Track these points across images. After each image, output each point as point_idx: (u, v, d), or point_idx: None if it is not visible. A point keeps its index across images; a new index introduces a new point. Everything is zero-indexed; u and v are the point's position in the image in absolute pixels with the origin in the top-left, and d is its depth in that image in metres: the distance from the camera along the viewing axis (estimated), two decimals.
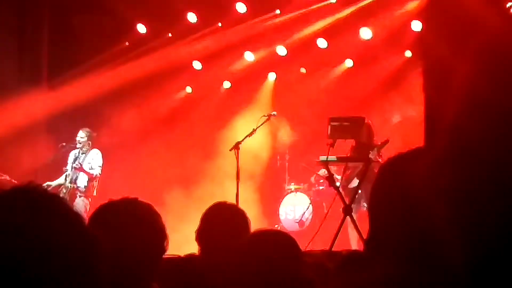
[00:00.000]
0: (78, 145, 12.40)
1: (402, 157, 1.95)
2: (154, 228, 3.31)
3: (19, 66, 13.96)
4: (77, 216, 1.79)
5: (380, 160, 10.29)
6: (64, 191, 12.31)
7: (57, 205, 1.77)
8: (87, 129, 12.53)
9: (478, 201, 1.51)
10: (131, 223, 3.24)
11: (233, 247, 3.52)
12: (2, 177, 11.76)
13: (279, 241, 3.38)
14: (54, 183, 12.37)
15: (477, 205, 1.51)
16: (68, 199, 12.11)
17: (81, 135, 12.41)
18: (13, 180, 11.62)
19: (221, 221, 4.60)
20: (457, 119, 1.58)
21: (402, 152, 1.96)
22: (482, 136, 1.53)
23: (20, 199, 1.74)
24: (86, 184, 12.35)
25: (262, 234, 3.46)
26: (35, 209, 1.72)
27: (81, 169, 12.27)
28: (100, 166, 12.41)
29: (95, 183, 12.41)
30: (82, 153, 12.47)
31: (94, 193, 12.34)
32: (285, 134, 13.35)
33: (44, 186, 1.91)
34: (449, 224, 1.55)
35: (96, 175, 12.36)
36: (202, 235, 4.61)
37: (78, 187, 12.30)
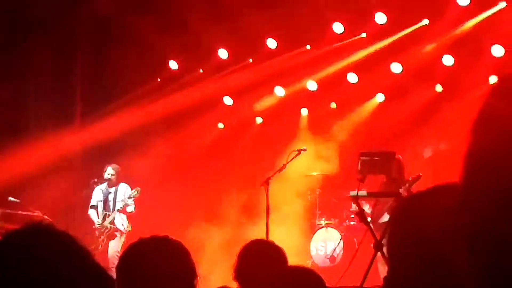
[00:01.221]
0: (107, 181, 12.47)
1: (418, 196, 1.95)
2: (184, 266, 3.32)
3: (53, 104, 14.14)
4: (87, 253, 1.81)
5: None
6: (102, 231, 12.32)
7: (66, 243, 1.79)
8: (115, 165, 12.62)
9: (502, 251, 1.51)
10: (161, 261, 3.26)
11: (265, 284, 3.51)
12: (35, 214, 11.87)
13: (305, 279, 3.37)
14: (97, 221, 12.42)
15: (501, 256, 1.51)
16: (105, 239, 12.18)
17: (110, 172, 12.49)
18: (45, 217, 11.73)
19: (259, 258, 4.57)
20: (502, 162, 1.59)
21: (418, 192, 1.96)
22: None
23: (30, 238, 1.77)
24: (127, 224, 12.37)
25: (289, 272, 3.45)
26: (44, 248, 1.74)
27: (124, 211, 12.34)
28: (133, 201, 12.47)
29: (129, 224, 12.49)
30: (109, 189, 12.53)
31: (130, 228, 12.37)
32: (316, 169, 13.31)
33: (53, 225, 1.92)
34: (469, 268, 1.55)
35: (132, 211, 12.43)
36: (239, 273, 4.58)
37: (117, 228, 12.33)
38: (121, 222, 12.35)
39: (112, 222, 12.32)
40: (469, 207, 1.61)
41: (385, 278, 1.96)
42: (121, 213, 12.40)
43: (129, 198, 12.32)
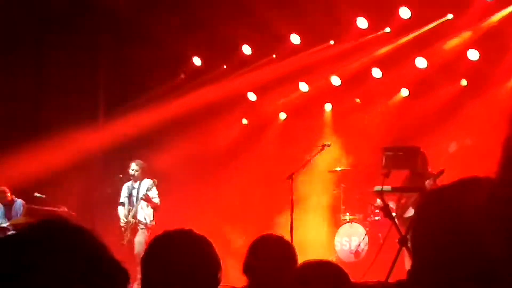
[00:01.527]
0: (132, 177, 12.55)
1: (443, 189, 1.94)
2: (208, 259, 3.34)
3: (77, 101, 14.24)
4: (104, 248, 1.83)
5: None
6: (126, 227, 12.40)
7: (81, 237, 1.80)
8: (139, 161, 12.68)
9: None
10: (185, 254, 3.28)
11: (283, 279, 3.52)
12: (61, 209, 11.98)
13: (327, 272, 3.37)
14: (123, 219, 12.50)
15: None
16: (129, 234, 12.24)
17: (134, 167, 12.56)
18: (71, 212, 11.84)
19: (268, 253, 4.58)
20: None
21: (442, 185, 1.95)
22: None
23: (44, 232, 1.79)
24: (152, 218, 12.42)
25: (311, 266, 3.46)
26: (60, 243, 1.76)
27: (148, 199, 12.37)
28: (157, 194, 12.53)
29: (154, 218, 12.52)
30: (134, 184, 12.61)
31: (154, 223, 12.42)
32: (340, 164, 13.29)
33: (69, 219, 1.93)
34: (505, 259, 1.56)
35: (158, 204, 12.47)
36: (249, 267, 4.60)
37: (139, 221, 12.39)
38: (144, 215, 12.41)
39: (134, 216, 12.38)
40: (504, 199, 1.61)
41: (408, 271, 1.95)
42: (146, 207, 12.44)
43: (147, 190, 12.35)
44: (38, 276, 1.68)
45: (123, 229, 12.36)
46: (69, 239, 1.78)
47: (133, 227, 12.34)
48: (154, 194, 12.46)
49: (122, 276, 1.83)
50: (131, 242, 12.20)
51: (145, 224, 12.33)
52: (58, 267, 1.71)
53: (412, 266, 1.90)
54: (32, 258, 1.71)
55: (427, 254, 1.83)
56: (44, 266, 1.70)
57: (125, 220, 12.41)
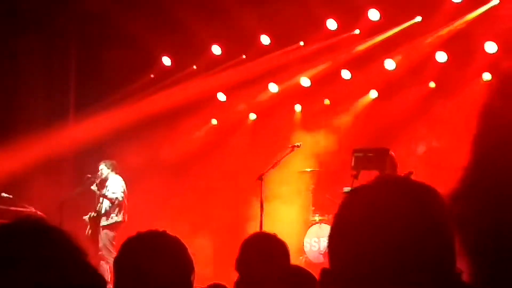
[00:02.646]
0: (102, 177, 12.54)
1: (359, 189, 1.96)
2: (181, 261, 3.33)
3: (48, 100, 14.13)
4: (76, 249, 1.81)
5: None
6: (85, 218, 12.48)
7: (58, 238, 1.79)
8: (106, 161, 12.69)
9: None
10: (158, 256, 3.27)
11: (275, 275, 3.51)
12: (28, 210, 11.87)
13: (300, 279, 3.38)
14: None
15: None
16: (89, 227, 12.28)
17: (101, 167, 12.60)
18: (39, 212, 11.73)
19: (261, 250, 4.58)
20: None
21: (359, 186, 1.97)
22: None
23: (20, 232, 1.78)
24: (107, 208, 12.43)
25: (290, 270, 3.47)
26: (33, 241, 1.75)
27: (99, 193, 12.39)
28: (122, 191, 12.50)
29: (121, 213, 12.47)
30: (106, 183, 12.63)
31: (125, 220, 12.40)
32: (310, 165, 13.33)
33: (44, 220, 1.91)
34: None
35: (116, 198, 12.41)
36: (241, 264, 4.59)
37: (101, 214, 12.42)
38: (105, 207, 12.45)
39: (96, 211, 12.45)
40: (465, 197, 1.64)
41: (324, 270, 1.92)
42: (105, 199, 12.48)
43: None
44: (16, 274, 1.67)
45: (86, 221, 12.51)
46: (47, 239, 1.77)
47: (92, 220, 12.38)
48: (115, 189, 12.47)
49: (99, 282, 1.82)
50: (94, 239, 12.27)
51: (104, 215, 12.35)
52: (35, 267, 1.70)
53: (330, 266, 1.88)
54: (8, 257, 1.69)
55: (341, 256, 1.83)
56: (21, 265, 1.69)
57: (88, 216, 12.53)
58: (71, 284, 1.74)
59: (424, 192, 1.83)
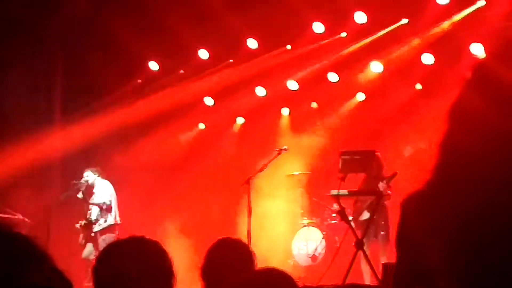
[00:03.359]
0: (85, 183, 12.51)
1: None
2: (161, 265, 3.31)
3: (33, 105, 14.07)
4: (44, 255, 1.79)
5: (389, 192, 10.31)
6: (77, 226, 12.42)
7: (21, 245, 1.77)
8: (91, 168, 12.64)
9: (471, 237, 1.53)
10: (138, 261, 3.25)
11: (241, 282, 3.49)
12: (15, 216, 11.81)
13: (276, 281, 3.35)
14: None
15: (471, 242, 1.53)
16: (83, 235, 12.23)
17: (86, 174, 12.54)
18: (26, 219, 11.68)
19: (226, 257, 4.55)
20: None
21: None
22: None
23: None
24: (96, 217, 12.39)
25: (259, 275, 3.43)
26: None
27: (85, 200, 12.36)
28: (109, 194, 12.46)
29: (111, 216, 12.43)
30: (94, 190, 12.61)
31: (118, 222, 12.38)
32: (298, 168, 13.33)
33: (9, 226, 1.89)
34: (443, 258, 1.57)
35: (103, 203, 12.38)
36: (206, 272, 4.56)
37: (91, 221, 12.37)
38: (94, 215, 12.41)
39: (86, 218, 12.40)
40: (440, 195, 1.63)
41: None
42: (93, 205, 12.45)
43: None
44: None
45: (78, 229, 12.44)
46: (9, 246, 1.75)
47: (84, 228, 12.34)
48: (103, 194, 12.44)
49: (65, 286, 1.80)
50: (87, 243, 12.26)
51: (98, 225, 12.32)
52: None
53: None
54: None
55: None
56: None
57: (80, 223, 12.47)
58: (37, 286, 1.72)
59: None
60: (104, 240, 12.12)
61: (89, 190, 12.61)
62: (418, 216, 1.72)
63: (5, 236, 1.78)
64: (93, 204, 12.40)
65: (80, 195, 12.32)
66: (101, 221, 12.39)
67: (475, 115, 1.68)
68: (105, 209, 12.44)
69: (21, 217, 11.76)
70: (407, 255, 1.78)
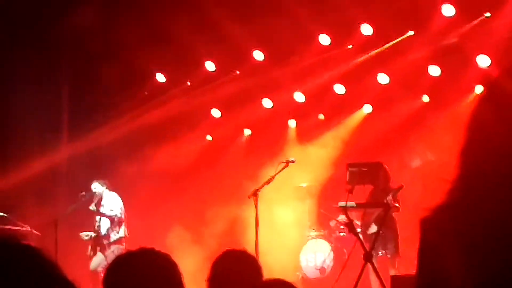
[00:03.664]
0: (96, 195, 12.51)
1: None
2: (171, 278, 3.31)
3: (41, 117, 14.09)
4: (52, 266, 1.80)
5: (397, 205, 10.30)
6: (86, 238, 12.39)
7: (29, 256, 1.78)
8: (99, 180, 12.62)
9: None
10: (148, 273, 3.25)
11: None
12: (23, 228, 11.84)
13: None
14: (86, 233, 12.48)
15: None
16: (91, 248, 12.22)
17: (94, 186, 12.53)
18: (34, 231, 11.70)
19: (232, 269, 4.53)
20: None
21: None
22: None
23: None
24: (107, 231, 12.39)
25: (266, 286, 3.44)
26: (6, 262, 1.74)
27: (98, 212, 12.35)
28: (120, 207, 12.46)
29: (121, 228, 12.43)
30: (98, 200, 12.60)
31: (127, 235, 12.38)
32: (305, 180, 13.33)
33: (16, 237, 1.90)
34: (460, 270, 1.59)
35: (115, 215, 12.38)
36: (213, 284, 4.55)
37: (102, 235, 12.36)
38: (105, 229, 12.39)
39: (95, 231, 12.38)
40: (463, 209, 1.64)
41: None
42: (104, 217, 12.42)
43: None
44: None
45: (85, 239, 12.43)
46: (18, 257, 1.76)
47: (93, 241, 12.33)
48: (113, 206, 12.43)
49: None
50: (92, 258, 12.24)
51: (107, 238, 12.31)
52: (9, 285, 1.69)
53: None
54: None
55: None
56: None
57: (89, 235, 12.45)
58: None
59: None
60: (113, 252, 12.10)
61: (97, 201, 12.63)
62: (440, 230, 1.73)
63: (16, 247, 1.80)
64: (104, 215, 12.40)
65: (92, 207, 12.32)
66: (112, 234, 12.38)
67: (493, 128, 1.69)
68: (116, 222, 12.45)
69: (29, 229, 11.78)
70: (428, 269, 1.78)
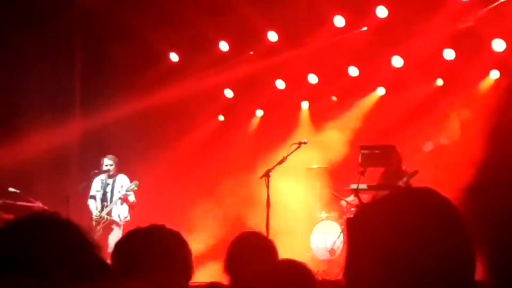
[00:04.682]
0: (108, 172, 12.54)
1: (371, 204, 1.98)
2: (181, 255, 3.33)
3: (52, 94, 14.11)
4: (90, 243, 1.83)
5: None
6: (99, 221, 12.39)
7: (71, 232, 1.81)
8: (111, 156, 12.69)
9: None
10: (157, 250, 3.27)
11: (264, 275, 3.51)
12: (35, 204, 11.89)
13: (296, 272, 3.38)
14: (95, 213, 12.50)
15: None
16: (101, 229, 12.25)
17: (108, 162, 12.57)
18: (45, 207, 11.75)
19: (248, 250, 4.56)
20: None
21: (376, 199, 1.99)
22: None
23: (35, 225, 1.79)
24: (126, 214, 12.45)
25: (280, 266, 3.46)
26: (48, 235, 1.76)
27: (126, 200, 12.41)
28: (132, 192, 12.53)
29: (129, 215, 12.55)
30: (108, 180, 12.60)
31: (128, 219, 12.47)
32: (317, 162, 13.32)
33: (58, 214, 1.93)
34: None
35: (134, 201, 12.48)
36: (230, 266, 4.57)
37: (113, 219, 12.40)
38: (118, 213, 12.43)
39: (109, 213, 12.40)
40: (481, 192, 1.63)
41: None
42: (121, 204, 12.46)
43: (127, 191, 12.38)
44: (31, 268, 1.69)
45: (95, 223, 12.37)
46: (62, 233, 1.79)
47: (106, 224, 12.35)
48: (129, 192, 12.49)
49: (107, 273, 1.84)
50: (103, 239, 12.20)
51: (118, 222, 12.37)
52: (50, 260, 1.71)
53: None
54: (24, 250, 1.71)
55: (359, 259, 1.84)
56: (36, 260, 1.70)
57: (98, 215, 12.42)
58: (84, 276, 1.76)
59: (443, 205, 1.82)
60: (121, 231, 12.21)
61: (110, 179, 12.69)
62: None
63: (60, 223, 1.83)
64: (127, 201, 12.47)
65: (116, 198, 12.40)
66: (127, 215, 12.48)
67: None
68: (131, 207, 12.54)
69: (41, 205, 11.83)
70: None
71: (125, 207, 12.52)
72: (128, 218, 12.45)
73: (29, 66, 13.68)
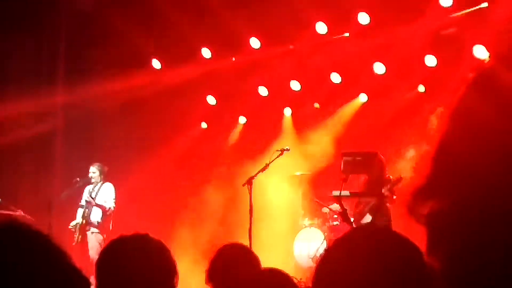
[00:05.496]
0: (92, 180, 12.56)
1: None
2: (164, 264, 3.31)
3: (35, 99, 14.01)
4: (62, 253, 1.78)
5: (394, 197, 10.26)
6: (76, 226, 12.41)
7: (40, 242, 1.76)
8: (98, 164, 12.72)
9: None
10: (141, 259, 3.25)
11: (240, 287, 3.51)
12: (17, 213, 11.81)
13: (277, 282, 3.36)
14: (73, 222, 12.52)
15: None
16: (79, 235, 12.23)
17: (93, 170, 12.61)
18: (27, 216, 11.67)
19: (231, 263, 4.57)
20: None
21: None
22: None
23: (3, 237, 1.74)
24: (99, 220, 12.45)
25: (262, 275, 3.45)
26: (16, 247, 1.72)
27: (93, 203, 12.40)
28: (113, 199, 12.54)
29: (110, 223, 12.52)
30: (94, 188, 12.64)
31: (110, 228, 12.44)
32: (300, 169, 13.32)
33: (29, 223, 1.89)
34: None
35: (109, 208, 12.48)
36: (212, 276, 4.57)
37: (91, 222, 12.40)
38: (96, 218, 12.44)
39: (84, 217, 12.41)
40: (435, 192, 1.64)
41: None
42: (98, 208, 12.47)
43: (89, 194, 12.44)
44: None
45: (72, 229, 12.38)
46: (30, 243, 1.74)
47: (82, 228, 12.35)
48: (108, 197, 12.48)
49: (83, 284, 1.80)
50: (83, 243, 12.22)
51: (97, 227, 12.36)
52: (20, 272, 1.67)
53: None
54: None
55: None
56: (3, 273, 1.66)
57: (75, 223, 12.44)
58: (56, 286, 1.72)
59: (404, 246, 1.86)
60: (96, 237, 12.20)
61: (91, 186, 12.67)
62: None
63: (27, 233, 1.78)
64: (99, 206, 12.46)
65: (88, 198, 12.39)
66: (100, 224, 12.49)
67: (476, 118, 1.68)
68: (108, 214, 12.54)
69: (22, 213, 11.75)
70: None
71: (98, 210, 12.52)
72: (101, 221, 12.48)
73: (11, 70, 13.60)
